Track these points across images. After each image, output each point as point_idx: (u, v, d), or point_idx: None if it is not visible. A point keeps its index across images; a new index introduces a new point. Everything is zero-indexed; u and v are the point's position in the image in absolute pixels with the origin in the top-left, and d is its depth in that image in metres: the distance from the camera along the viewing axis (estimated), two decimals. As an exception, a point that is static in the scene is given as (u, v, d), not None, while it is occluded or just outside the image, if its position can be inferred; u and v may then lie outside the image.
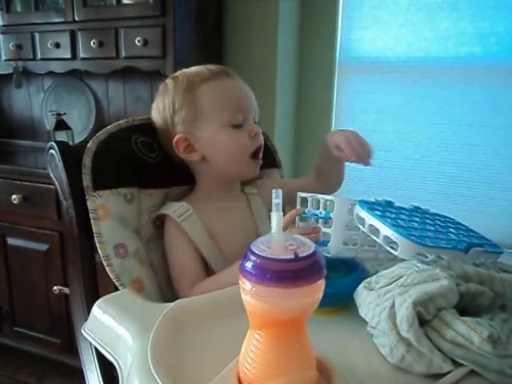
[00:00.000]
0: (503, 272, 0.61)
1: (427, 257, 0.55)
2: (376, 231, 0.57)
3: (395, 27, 1.71)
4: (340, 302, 0.58)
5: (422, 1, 1.65)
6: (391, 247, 0.56)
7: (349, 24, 1.77)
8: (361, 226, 0.61)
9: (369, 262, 0.64)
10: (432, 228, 0.63)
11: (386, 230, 0.56)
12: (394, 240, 0.55)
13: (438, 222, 0.68)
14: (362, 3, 1.73)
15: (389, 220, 0.57)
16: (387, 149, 1.80)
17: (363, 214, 0.60)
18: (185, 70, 0.83)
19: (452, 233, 0.64)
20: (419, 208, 0.70)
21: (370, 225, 0.58)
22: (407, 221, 0.61)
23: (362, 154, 0.78)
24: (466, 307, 0.50)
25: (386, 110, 1.78)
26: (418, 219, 0.64)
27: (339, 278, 0.60)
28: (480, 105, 1.65)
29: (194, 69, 0.83)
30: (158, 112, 0.82)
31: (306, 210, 0.70)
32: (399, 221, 0.59)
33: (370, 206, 0.61)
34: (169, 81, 0.83)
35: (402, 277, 0.50)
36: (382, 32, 1.73)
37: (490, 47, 1.60)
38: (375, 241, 0.59)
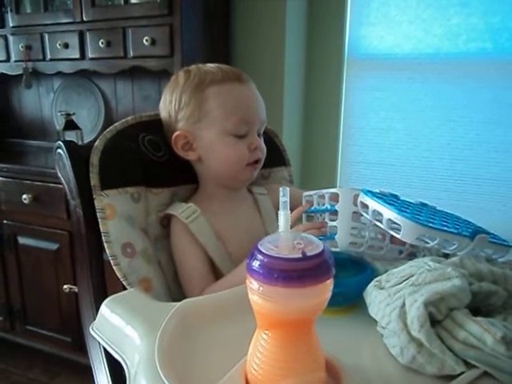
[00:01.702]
0: None
1: (429, 242, 0.54)
2: (379, 215, 0.57)
3: (404, 24, 1.69)
4: (349, 301, 0.58)
5: (432, -4, 1.64)
6: (394, 231, 0.56)
7: (357, 21, 1.75)
8: (365, 214, 0.60)
9: (379, 260, 0.64)
10: (437, 218, 0.62)
11: (389, 213, 0.56)
12: (397, 222, 0.54)
13: (445, 216, 0.66)
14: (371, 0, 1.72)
15: (392, 206, 0.57)
16: (397, 146, 1.79)
17: (367, 200, 0.59)
18: (199, 66, 0.82)
19: (458, 224, 0.63)
20: (426, 204, 0.69)
21: (374, 210, 0.58)
22: (412, 210, 0.61)
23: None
24: (479, 307, 0.49)
25: (395, 108, 1.76)
26: (423, 211, 0.63)
27: (349, 277, 0.60)
28: (491, 102, 1.63)
29: (208, 67, 0.81)
30: (165, 104, 0.82)
31: (313, 208, 0.70)
32: (403, 208, 0.59)
33: (376, 195, 0.61)
34: (181, 74, 0.81)
35: (412, 276, 0.49)
36: (391, 28, 1.71)
37: (502, 43, 1.58)
38: (381, 229, 0.58)
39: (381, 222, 0.58)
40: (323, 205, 0.69)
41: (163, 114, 0.83)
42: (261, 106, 0.81)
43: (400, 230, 0.55)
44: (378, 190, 0.63)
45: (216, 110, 0.77)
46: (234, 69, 0.81)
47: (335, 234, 0.63)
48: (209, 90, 0.77)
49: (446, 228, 0.56)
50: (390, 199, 0.62)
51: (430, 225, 0.55)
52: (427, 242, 0.56)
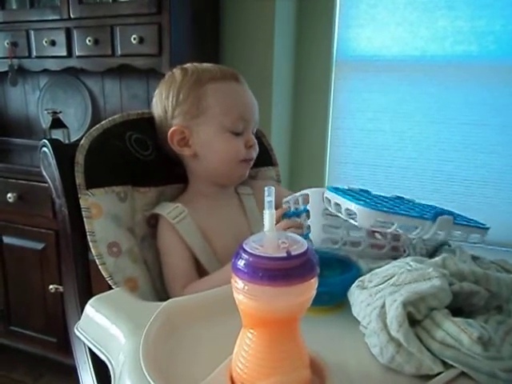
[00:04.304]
0: (505, 271, 0.59)
1: (390, 227, 0.56)
2: (339, 207, 0.59)
3: (392, 26, 1.71)
4: (334, 300, 0.58)
5: (419, -1, 1.65)
6: (352, 219, 0.58)
7: (346, 22, 1.76)
8: (329, 207, 0.62)
9: (363, 258, 0.64)
10: (402, 207, 0.63)
11: (346, 203, 0.58)
12: (353, 210, 0.57)
13: (418, 206, 0.67)
14: (359, 2, 1.73)
15: (351, 197, 0.59)
16: (384, 147, 1.81)
17: (329, 195, 0.62)
18: (195, 64, 0.82)
19: (427, 211, 0.64)
20: (402, 198, 0.70)
21: (335, 202, 0.60)
22: (376, 201, 0.62)
23: None
24: (461, 307, 0.50)
25: (382, 109, 1.78)
26: (391, 202, 0.64)
27: (334, 276, 0.60)
28: (477, 103, 1.65)
29: (204, 65, 0.82)
30: (160, 100, 0.81)
31: (290, 212, 0.73)
32: (364, 199, 0.60)
33: (339, 189, 0.63)
34: (177, 71, 0.82)
35: (394, 276, 0.50)
36: (379, 31, 1.73)
37: (487, 46, 1.60)
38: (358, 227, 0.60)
39: (341, 212, 0.60)
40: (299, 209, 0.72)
41: (157, 111, 0.82)
42: (256, 106, 0.83)
43: (356, 217, 0.57)
44: (346, 187, 0.65)
45: (215, 107, 0.77)
46: (231, 69, 0.82)
47: (309, 233, 0.65)
48: (208, 87, 0.78)
49: (405, 213, 0.57)
50: (358, 193, 0.63)
51: (385, 209, 0.56)
52: (388, 228, 0.57)
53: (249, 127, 0.81)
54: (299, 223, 0.70)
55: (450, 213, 0.61)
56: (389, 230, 0.57)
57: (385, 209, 0.56)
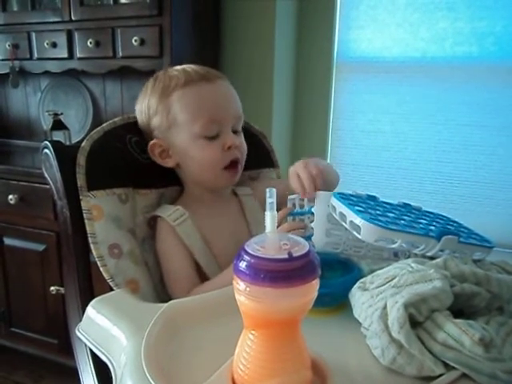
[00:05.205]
0: (505, 273, 0.59)
1: (394, 242, 0.56)
2: (344, 217, 0.59)
3: (392, 27, 1.71)
4: (336, 302, 0.58)
5: (420, 0, 1.65)
6: (356, 232, 0.58)
7: (346, 24, 1.76)
8: (334, 215, 0.62)
9: (365, 260, 0.65)
10: (408, 218, 0.62)
11: (351, 216, 0.58)
12: (358, 224, 0.56)
13: (424, 217, 0.67)
14: (360, 3, 1.73)
15: (357, 208, 0.58)
16: (384, 149, 1.80)
17: (335, 203, 0.62)
18: (168, 70, 0.80)
19: (433, 225, 0.64)
20: (409, 205, 0.70)
21: (340, 212, 0.60)
22: (381, 211, 0.62)
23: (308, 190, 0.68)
24: (463, 308, 0.50)
25: (383, 110, 1.77)
26: (396, 212, 0.64)
27: (336, 278, 0.60)
28: (477, 105, 1.65)
29: (173, 71, 0.79)
30: (139, 113, 0.82)
31: (295, 210, 0.73)
32: (370, 210, 0.60)
33: (345, 197, 0.62)
34: (150, 81, 0.81)
35: (395, 277, 0.50)
36: (380, 32, 1.73)
37: (488, 47, 1.60)
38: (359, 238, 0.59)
39: (346, 222, 0.59)
40: (303, 207, 0.72)
41: (139, 124, 0.82)
42: (233, 101, 0.79)
43: (360, 230, 0.57)
44: (353, 192, 0.65)
45: (181, 115, 0.75)
46: (200, 68, 0.79)
47: (312, 234, 0.65)
48: (172, 96, 0.76)
49: (410, 229, 0.57)
50: (362, 201, 0.63)
51: (391, 226, 0.55)
52: (392, 244, 0.57)
53: (225, 128, 0.77)
54: (303, 225, 0.69)
55: (456, 227, 0.61)
56: (393, 246, 0.57)
57: (390, 226, 0.55)
